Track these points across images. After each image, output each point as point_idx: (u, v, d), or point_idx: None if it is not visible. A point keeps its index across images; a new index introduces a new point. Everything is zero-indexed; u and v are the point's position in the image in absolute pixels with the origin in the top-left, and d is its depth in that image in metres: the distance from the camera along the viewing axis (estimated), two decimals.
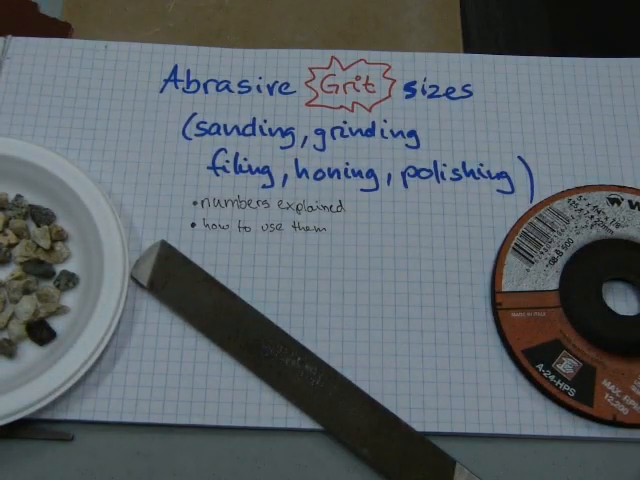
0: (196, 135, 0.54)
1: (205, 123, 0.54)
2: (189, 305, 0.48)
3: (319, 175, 0.53)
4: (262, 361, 0.47)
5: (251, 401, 0.47)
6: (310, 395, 0.46)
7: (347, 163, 0.53)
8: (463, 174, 0.53)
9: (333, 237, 0.51)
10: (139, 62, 0.56)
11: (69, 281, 0.49)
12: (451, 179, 0.53)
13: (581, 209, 0.51)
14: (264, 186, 0.53)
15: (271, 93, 0.56)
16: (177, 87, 0.56)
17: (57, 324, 0.48)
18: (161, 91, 0.55)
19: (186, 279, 0.49)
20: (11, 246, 0.49)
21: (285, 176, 0.53)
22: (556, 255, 0.50)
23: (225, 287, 0.49)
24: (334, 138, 0.54)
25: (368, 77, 0.56)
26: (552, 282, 0.49)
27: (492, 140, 0.54)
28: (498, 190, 0.53)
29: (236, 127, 0.54)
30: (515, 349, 0.47)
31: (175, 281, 0.49)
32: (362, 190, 0.53)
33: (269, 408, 0.46)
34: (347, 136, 0.54)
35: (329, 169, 0.53)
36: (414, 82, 0.56)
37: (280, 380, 0.47)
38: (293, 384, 0.46)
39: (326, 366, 0.47)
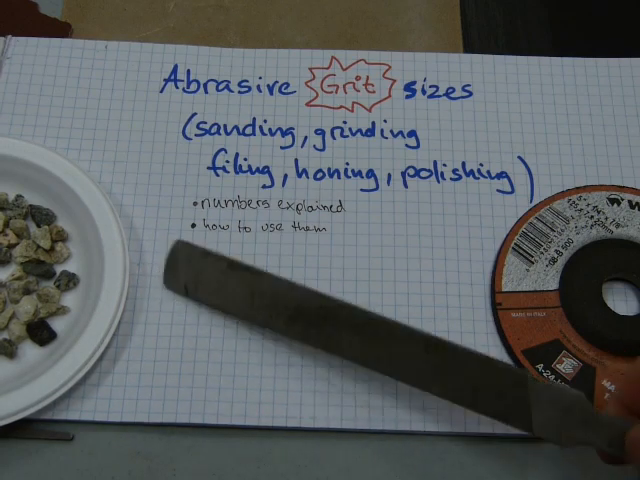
0: (196, 135, 0.54)
1: (205, 123, 0.54)
2: (224, 297, 0.47)
3: (319, 175, 0.53)
4: (310, 329, 0.45)
5: (251, 400, 0.47)
6: (366, 349, 0.44)
7: (347, 163, 0.53)
8: (463, 174, 0.53)
9: (333, 237, 0.51)
10: (139, 62, 0.56)
11: (69, 281, 0.49)
12: (451, 179, 0.53)
13: (581, 209, 0.51)
14: (264, 186, 0.53)
15: (271, 93, 0.56)
16: (177, 87, 0.56)
17: (57, 324, 0.48)
18: (161, 91, 0.55)
19: (213, 272, 0.48)
20: (11, 246, 0.50)
21: (285, 176, 0.53)
22: (556, 255, 0.50)
23: (250, 267, 0.47)
24: (334, 138, 0.54)
25: (368, 77, 0.56)
26: (552, 282, 0.49)
27: (492, 140, 0.54)
28: (498, 190, 0.53)
29: (236, 127, 0.54)
30: (515, 349, 0.47)
31: (204, 277, 0.48)
32: (362, 190, 0.53)
33: (269, 407, 0.46)
34: (347, 136, 0.54)
35: (329, 169, 0.53)
36: (414, 82, 0.56)
37: (331, 343, 0.45)
38: (346, 341, 0.44)
39: (371, 314, 0.44)
